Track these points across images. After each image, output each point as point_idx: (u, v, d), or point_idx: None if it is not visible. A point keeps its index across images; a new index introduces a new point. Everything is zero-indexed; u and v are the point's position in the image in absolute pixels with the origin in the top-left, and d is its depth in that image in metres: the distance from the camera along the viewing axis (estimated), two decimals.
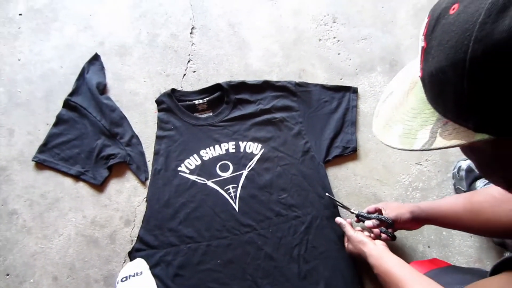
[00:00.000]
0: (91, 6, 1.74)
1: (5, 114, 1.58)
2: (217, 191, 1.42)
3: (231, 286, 1.32)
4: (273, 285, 1.32)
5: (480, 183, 1.34)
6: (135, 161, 1.48)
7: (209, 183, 1.43)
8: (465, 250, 1.37)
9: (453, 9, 0.46)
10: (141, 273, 1.30)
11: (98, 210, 1.45)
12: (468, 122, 0.47)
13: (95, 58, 1.65)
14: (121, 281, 1.30)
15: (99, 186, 1.47)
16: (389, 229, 1.25)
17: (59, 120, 1.54)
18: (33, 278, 1.38)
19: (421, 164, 1.48)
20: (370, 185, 1.47)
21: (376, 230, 1.25)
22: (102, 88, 1.59)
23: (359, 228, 1.30)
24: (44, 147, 1.50)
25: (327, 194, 1.40)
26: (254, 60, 1.65)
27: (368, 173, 1.48)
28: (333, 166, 1.49)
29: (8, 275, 1.40)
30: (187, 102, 1.55)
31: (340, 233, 1.35)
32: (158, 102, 1.55)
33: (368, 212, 1.29)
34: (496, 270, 0.62)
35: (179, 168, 1.45)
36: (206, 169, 1.45)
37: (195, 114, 1.54)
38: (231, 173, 1.45)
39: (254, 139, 1.49)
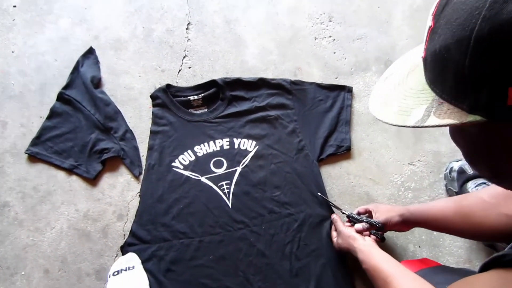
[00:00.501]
0: None
1: None
2: (211, 187, 1.44)
3: (223, 282, 1.34)
4: (265, 281, 1.34)
5: (471, 184, 1.37)
6: (129, 155, 1.50)
7: (203, 179, 1.45)
8: (455, 250, 1.41)
9: None
10: (133, 267, 1.32)
11: (91, 204, 1.47)
12: (463, 103, 0.49)
13: (90, 52, 1.66)
14: (113, 275, 1.31)
15: (92, 180, 1.49)
16: (379, 232, 1.27)
17: (53, 113, 1.55)
18: (24, 271, 1.40)
19: (413, 165, 1.51)
20: (363, 184, 1.50)
21: (366, 232, 1.27)
22: (97, 82, 1.60)
23: (348, 224, 1.32)
24: (37, 140, 1.52)
25: (319, 194, 1.42)
26: (249, 57, 1.67)
27: (361, 172, 1.51)
28: (327, 164, 1.51)
29: None
30: (182, 98, 1.56)
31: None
32: (153, 97, 1.57)
33: (359, 213, 1.31)
34: (485, 268, 0.63)
35: (173, 164, 1.47)
36: (200, 165, 1.48)
37: (190, 110, 1.56)
38: (225, 170, 1.47)
39: (248, 136, 1.51)
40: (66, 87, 1.58)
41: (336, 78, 1.63)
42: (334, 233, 1.35)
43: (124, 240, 1.39)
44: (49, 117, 1.54)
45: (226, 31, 1.71)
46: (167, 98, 1.55)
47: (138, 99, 1.60)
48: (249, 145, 1.50)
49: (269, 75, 1.63)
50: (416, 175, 1.50)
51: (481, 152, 0.56)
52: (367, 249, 1.14)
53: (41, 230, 1.44)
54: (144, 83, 1.62)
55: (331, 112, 1.55)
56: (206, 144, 1.50)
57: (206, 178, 1.46)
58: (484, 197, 1.05)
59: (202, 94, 1.56)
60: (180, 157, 1.48)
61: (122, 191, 1.49)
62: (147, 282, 1.32)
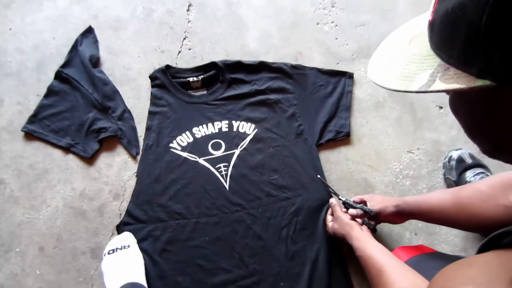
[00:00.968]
0: None
1: None
2: (208, 169, 1.45)
3: (218, 263, 1.35)
4: (260, 264, 1.35)
5: (469, 173, 1.38)
6: (127, 135, 1.51)
7: (201, 160, 1.46)
8: (451, 239, 1.42)
9: None
10: (128, 246, 1.33)
11: (87, 182, 1.48)
12: (472, 68, 0.47)
13: (89, 31, 1.66)
14: (108, 253, 1.32)
15: (89, 159, 1.50)
16: (372, 221, 1.27)
17: (50, 92, 1.55)
18: (19, 248, 1.41)
19: (412, 153, 1.52)
20: (361, 170, 1.51)
21: (359, 220, 1.27)
22: (95, 61, 1.61)
23: (344, 210, 1.32)
24: (34, 118, 1.52)
25: (318, 176, 1.43)
26: (250, 41, 1.68)
27: (360, 158, 1.52)
28: (326, 149, 1.52)
29: None
30: (181, 79, 1.57)
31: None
32: (152, 77, 1.58)
33: (354, 202, 1.31)
34: (483, 250, 0.63)
35: (171, 145, 1.48)
36: (198, 146, 1.49)
37: (189, 91, 1.57)
38: (223, 152, 1.48)
39: (247, 119, 1.52)
40: (64, 65, 1.59)
41: (337, 64, 1.64)
42: (329, 217, 1.36)
43: (120, 220, 1.40)
44: (46, 95, 1.55)
45: (228, 14, 1.72)
46: (166, 79, 1.56)
47: (137, 79, 1.60)
48: (248, 128, 1.51)
49: (269, 58, 1.63)
50: (414, 163, 1.51)
51: (483, 122, 0.54)
52: (363, 238, 1.15)
53: (36, 207, 1.45)
54: (143, 64, 1.63)
55: (331, 97, 1.56)
56: (204, 126, 1.51)
57: (204, 159, 1.47)
58: (481, 188, 1.04)
59: (202, 76, 1.57)
60: (178, 138, 1.49)
61: (119, 170, 1.49)
62: (142, 261, 1.33)
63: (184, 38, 1.67)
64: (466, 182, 1.36)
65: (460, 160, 1.42)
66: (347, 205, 1.32)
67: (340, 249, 1.38)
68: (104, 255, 1.33)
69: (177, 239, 1.38)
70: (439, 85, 0.50)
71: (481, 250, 0.63)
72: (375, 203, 1.26)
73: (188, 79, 1.57)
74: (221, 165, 1.46)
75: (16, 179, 1.48)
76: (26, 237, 1.42)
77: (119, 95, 1.57)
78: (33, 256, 1.40)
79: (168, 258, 1.36)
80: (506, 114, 0.50)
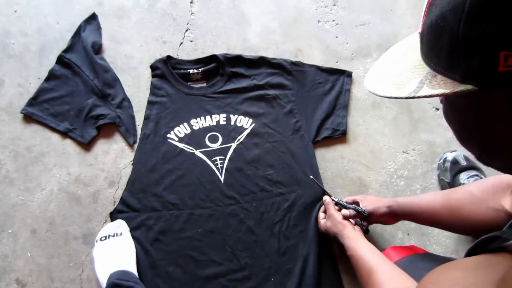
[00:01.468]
0: None
1: None
2: (204, 161, 1.41)
3: (210, 255, 1.31)
4: (252, 258, 1.31)
5: (464, 175, 1.34)
6: (125, 123, 1.46)
7: (197, 152, 1.42)
8: (443, 240, 1.38)
9: None
10: (121, 234, 1.29)
11: (83, 168, 1.43)
12: (456, 73, 0.49)
13: (93, 17, 1.61)
14: (100, 240, 1.28)
15: (86, 145, 1.45)
16: (364, 222, 1.25)
17: (51, 76, 1.50)
18: (11, 229, 1.36)
19: (408, 153, 1.48)
20: (356, 169, 1.47)
21: (352, 221, 1.25)
22: (97, 48, 1.56)
23: (337, 208, 1.29)
24: (33, 101, 1.47)
25: (311, 177, 1.39)
26: (252, 36, 1.63)
27: (355, 157, 1.48)
28: (322, 147, 1.48)
29: None
30: (182, 71, 1.52)
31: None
32: (153, 67, 1.53)
33: (347, 203, 1.28)
34: (471, 252, 0.63)
35: (168, 135, 1.44)
36: (195, 138, 1.44)
37: (188, 83, 1.52)
38: (219, 145, 1.44)
39: (245, 114, 1.48)
40: (66, 50, 1.54)
41: (337, 62, 1.60)
42: (321, 214, 1.32)
43: (114, 207, 1.35)
44: (47, 79, 1.50)
45: (230, 8, 1.67)
46: (166, 70, 1.51)
47: (137, 68, 1.56)
48: (245, 122, 1.47)
49: (270, 54, 1.59)
50: (409, 163, 1.47)
51: (472, 127, 0.57)
52: (355, 237, 1.14)
53: (31, 190, 1.40)
54: (145, 53, 1.58)
55: (329, 95, 1.52)
56: (202, 118, 1.47)
57: (200, 151, 1.42)
58: (472, 191, 1.04)
59: (202, 68, 1.52)
60: (175, 129, 1.45)
61: (115, 158, 1.45)
62: (134, 249, 1.28)
63: (186, 30, 1.63)
64: (460, 184, 1.33)
65: (454, 162, 1.38)
66: (340, 206, 1.29)
67: (331, 247, 1.34)
68: (96, 241, 1.28)
69: (170, 229, 1.33)
70: (426, 91, 0.53)
71: (469, 253, 0.63)
72: (367, 203, 1.23)
73: (188, 70, 1.52)
74: (217, 158, 1.42)
75: (13, 161, 1.43)
76: (19, 219, 1.37)
77: (119, 83, 1.52)
78: (25, 238, 1.35)
79: (160, 248, 1.31)
80: (489, 118, 0.52)
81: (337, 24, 1.66)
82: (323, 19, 1.66)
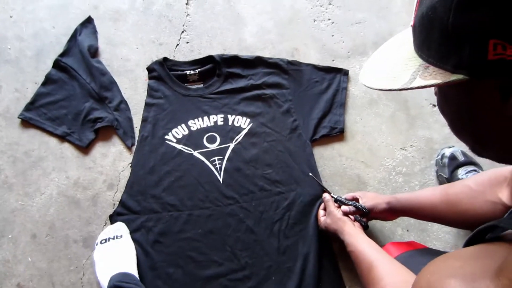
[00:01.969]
0: None
1: None
2: (203, 162, 1.39)
3: (210, 256, 1.29)
4: (252, 258, 1.29)
5: (462, 171, 1.32)
6: (123, 126, 1.44)
7: (195, 153, 1.40)
8: (442, 236, 1.36)
9: None
10: (121, 236, 1.26)
11: (82, 172, 1.40)
12: (447, 64, 0.49)
13: (88, 21, 1.58)
14: (100, 243, 1.26)
15: (84, 149, 1.42)
16: (364, 218, 1.24)
17: (48, 80, 1.48)
18: (11, 234, 1.33)
19: (406, 150, 1.46)
20: (355, 166, 1.44)
21: (351, 217, 1.24)
22: (94, 52, 1.53)
23: (336, 205, 1.28)
24: (31, 106, 1.44)
25: (310, 174, 1.37)
26: (248, 36, 1.61)
27: (353, 154, 1.45)
28: (320, 145, 1.46)
29: None
30: (179, 72, 1.50)
31: None
32: (150, 69, 1.50)
33: (346, 199, 1.27)
34: (470, 243, 0.63)
35: (166, 137, 1.41)
36: (193, 139, 1.42)
37: (185, 84, 1.49)
38: (217, 145, 1.41)
39: (243, 114, 1.46)
40: (62, 54, 1.51)
41: (333, 61, 1.57)
42: (321, 212, 1.31)
43: (113, 210, 1.33)
44: (44, 84, 1.47)
45: (226, 8, 1.65)
46: (163, 71, 1.49)
47: (134, 70, 1.53)
48: (243, 122, 1.44)
49: (266, 54, 1.56)
50: (407, 160, 1.45)
51: (465, 117, 0.56)
52: (355, 233, 1.13)
53: (30, 195, 1.38)
54: (141, 56, 1.55)
55: (326, 94, 1.49)
56: (200, 119, 1.44)
57: (198, 152, 1.40)
58: (470, 185, 1.03)
59: (199, 70, 1.50)
60: (173, 130, 1.42)
61: (113, 161, 1.42)
62: (134, 252, 1.26)
63: (182, 32, 1.60)
64: (458, 180, 1.31)
65: (452, 157, 1.36)
66: (339, 202, 1.27)
67: (331, 244, 1.32)
68: (97, 244, 1.26)
69: (170, 230, 1.31)
70: (419, 82, 0.53)
71: (467, 244, 0.63)
72: (367, 200, 1.22)
73: (185, 72, 1.50)
74: (216, 158, 1.39)
75: (11, 166, 1.40)
76: (19, 224, 1.34)
77: (116, 86, 1.49)
78: (25, 243, 1.32)
79: (160, 249, 1.29)
80: (481, 108, 0.52)
81: (333, 23, 1.63)
82: (319, 18, 1.64)
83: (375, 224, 1.34)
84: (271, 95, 1.47)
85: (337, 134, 1.46)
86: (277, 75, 1.51)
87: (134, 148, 1.42)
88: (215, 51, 1.55)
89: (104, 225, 1.35)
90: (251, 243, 1.31)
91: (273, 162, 1.40)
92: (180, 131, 1.42)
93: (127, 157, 1.42)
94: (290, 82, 1.50)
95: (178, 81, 1.48)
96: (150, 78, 1.50)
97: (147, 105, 1.46)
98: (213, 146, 1.41)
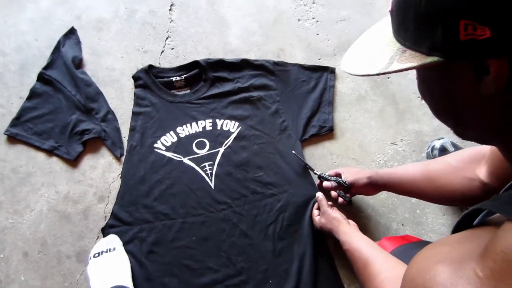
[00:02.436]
0: None
1: None
2: (193, 168, 1.35)
3: (205, 263, 1.25)
4: (248, 262, 1.25)
5: None
6: (110, 136, 1.39)
7: (185, 160, 1.36)
8: (438, 228, 1.33)
9: None
10: (114, 249, 1.22)
11: (72, 185, 1.36)
12: (422, 47, 0.50)
13: (71, 32, 1.54)
14: (94, 257, 1.22)
15: (73, 162, 1.38)
16: (347, 194, 1.25)
17: (33, 94, 1.44)
18: (3, 254, 1.29)
19: (396, 144, 1.42)
20: (346, 164, 1.41)
21: (334, 193, 1.27)
22: (78, 63, 1.49)
23: (330, 203, 1.26)
24: (16, 121, 1.40)
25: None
26: (233, 39, 1.57)
27: (344, 152, 1.42)
28: (310, 145, 1.42)
29: None
30: (165, 79, 1.46)
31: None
32: (135, 78, 1.46)
33: (329, 175, 1.27)
34: (458, 228, 0.64)
35: (155, 145, 1.37)
36: (182, 146, 1.38)
37: (172, 91, 1.46)
38: (207, 151, 1.37)
39: (231, 117, 1.42)
40: (46, 67, 1.47)
41: (319, 59, 1.54)
42: (315, 212, 1.28)
43: (105, 222, 1.29)
44: (29, 98, 1.43)
45: (210, 12, 1.61)
46: (149, 79, 1.45)
47: (120, 80, 1.49)
48: (231, 126, 1.40)
49: (252, 56, 1.53)
50: (398, 154, 1.41)
51: (444, 100, 0.56)
52: (350, 231, 1.11)
53: (20, 212, 1.33)
54: (126, 64, 1.51)
55: (314, 93, 1.46)
56: (188, 125, 1.40)
57: (188, 159, 1.36)
58: (450, 161, 1.04)
59: (185, 75, 1.46)
60: (162, 138, 1.38)
61: (103, 172, 1.38)
62: (128, 264, 1.22)
63: (167, 38, 1.56)
64: None
65: (442, 149, 1.34)
66: (322, 179, 1.28)
67: (327, 244, 1.29)
68: (90, 258, 1.22)
69: (163, 240, 1.27)
70: (396, 65, 0.53)
71: (455, 230, 0.64)
72: (349, 175, 1.23)
73: (171, 78, 1.46)
74: (206, 164, 1.35)
75: None
76: (10, 242, 1.30)
77: (102, 96, 1.45)
78: (17, 262, 1.28)
79: (154, 259, 1.25)
80: (458, 89, 0.52)
81: (317, 21, 1.60)
82: (303, 17, 1.60)
83: (370, 220, 1.32)
84: (258, 97, 1.44)
85: (326, 132, 1.43)
86: (264, 77, 1.47)
87: (123, 158, 1.37)
88: (200, 56, 1.51)
89: (97, 239, 1.31)
90: (246, 247, 1.27)
91: (264, 165, 1.36)
92: (169, 138, 1.38)
93: (117, 168, 1.38)
94: (277, 83, 1.46)
95: (164, 88, 1.45)
96: (136, 86, 1.46)
97: (134, 114, 1.42)
98: (202, 152, 1.37)
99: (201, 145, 1.38)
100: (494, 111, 0.52)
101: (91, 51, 1.53)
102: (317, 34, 1.58)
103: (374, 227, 1.33)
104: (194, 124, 1.40)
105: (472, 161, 0.99)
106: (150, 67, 1.47)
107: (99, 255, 1.22)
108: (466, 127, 0.58)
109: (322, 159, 1.41)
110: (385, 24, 0.60)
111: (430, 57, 0.49)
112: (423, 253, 0.60)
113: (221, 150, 1.37)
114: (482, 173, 0.96)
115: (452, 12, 0.44)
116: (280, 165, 1.36)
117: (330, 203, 1.25)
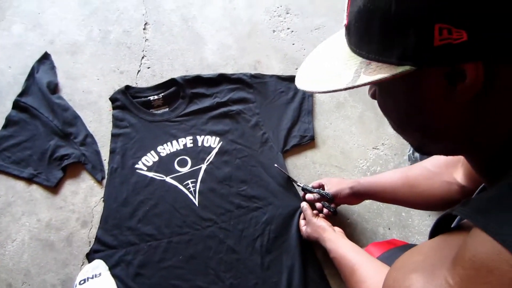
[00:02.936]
0: (39, 4, 1.62)
1: None
2: (176, 186, 1.33)
3: (194, 281, 1.22)
4: (236, 277, 1.23)
5: None
6: (91, 160, 1.37)
7: (168, 179, 1.34)
8: (424, 229, 1.33)
9: None
10: (99, 274, 1.20)
11: (53, 212, 1.33)
12: (391, 57, 0.46)
13: (45, 57, 1.52)
14: (79, 284, 1.19)
15: (53, 188, 1.35)
16: (331, 204, 1.24)
17: (9, 122, 1.41)
18: None
19: (378, 149, 1.42)
20: (329, 172, 1.40)
21: (319, 205, 1.27)
22: (54, 88, 1.46)
23: (315, 212, 1.25)
24: None
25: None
26: (209, 54, 1.56)
27: (326, 160, 1.41)
28: (292, 155, 1.41)
29: None
30: (142, 99, 1.45)
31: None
32: (112, 99, 1.45)
33: (313, 187, 1.26)
34: (434, 232, 0.62)
35: (136, 166, 1.35)
36: (164, 165, 1.36)
37: (150, 110, 1.44)
38: (189, 168, 1.35)
39: (211, 133, 1.40)
40: (21, 94, 1.44)
41: (296, 69, 1.53)
42: (302, 222, 1.27)
43: (90, 247, 1.26)
44: (5, 126, 1.41)
45: (184, 29, 1.60)
46: (126, 100, 1.43)
47: (97, 102, 1.47)
48: (212, 142, 1.39)
49: (229, 70, 1.52)
50: (381, 158, 1.41)
51: (412, 111, 0.53)
52: (335, 239, 1.11)
53: (1, 243, 1.29)
54: (103, 86, 1.49)
55: (293, 103, 1.46)
56: (169, 143, 1.39)
57: (171, 178, 1.34)
58: (428, 167, 1.04)
59: (162, 94, 1.45)
60: (143, 159, 1.36)
61: (85, 197, 1.35)
62: None
63: (143, 57, 1.55)
64: None
65: None
66: (306, 191, 1.28)
67: (315, 253, 1.27)
68: (76, 286, 1.19)
69: (150, 261, 1.24)
70: (364, 78, 0.49)
71: (431, 235, 0.62)
72: (331, 186, 1.23)
73: (149, 98, 1.44)
74: (189, 181, 1.33)
75: None
76: None
77: (80, 120, 1.43)
78: None
79: (142, 282, 1.22)
80: (429, 98, 0.50)
81: (292, 31, 1.60)
82: (278, 28, 1.60)
83: (356, 226, 1.31)
84: (238, 111, 1.43)
85: (308, 142, 1.42)
86: (242, 90, 1.46)
87: (104, 181, 1.35)
88: (177, 73, 1.51)
89: (82, 265, 1.27)
90: (234, 262, 1.25)
91: (247, 178, 1.35)
92: (150, 158, 1.36)
93: (99, 192, 1.35)
94: (256, 95, 1.45)
95: (143, 108, 1.43)
96: (114, 108, 1.44)
97: (113, 136, 1.40)
98: (185, 170, 1.35)
99: (183, 163, 1.36)
100: (468, 118, 0.49)
101: (66, 75, 1.51)
102: (293, 44, 1.58)
103: (361, 232, 1.32)
104: (174, 142, 1.39)
105: (449, 165, 0.99)
106: (127, 87, 1.45)
107: (85, 282, 1.19)
108: (435, 138, 0.56)
109: (305, 168, 1.40)
110: (336, 41, 0.58)
111: (400, 66, 0.46)
112: (399, 262, 0.60)
113: (203, 166, 1.36)
114: (459, 176, 0.96)
115: (426, 16, 0.42)
116: (264, 177, 1.35)
117: (315, 211, 1.25)
